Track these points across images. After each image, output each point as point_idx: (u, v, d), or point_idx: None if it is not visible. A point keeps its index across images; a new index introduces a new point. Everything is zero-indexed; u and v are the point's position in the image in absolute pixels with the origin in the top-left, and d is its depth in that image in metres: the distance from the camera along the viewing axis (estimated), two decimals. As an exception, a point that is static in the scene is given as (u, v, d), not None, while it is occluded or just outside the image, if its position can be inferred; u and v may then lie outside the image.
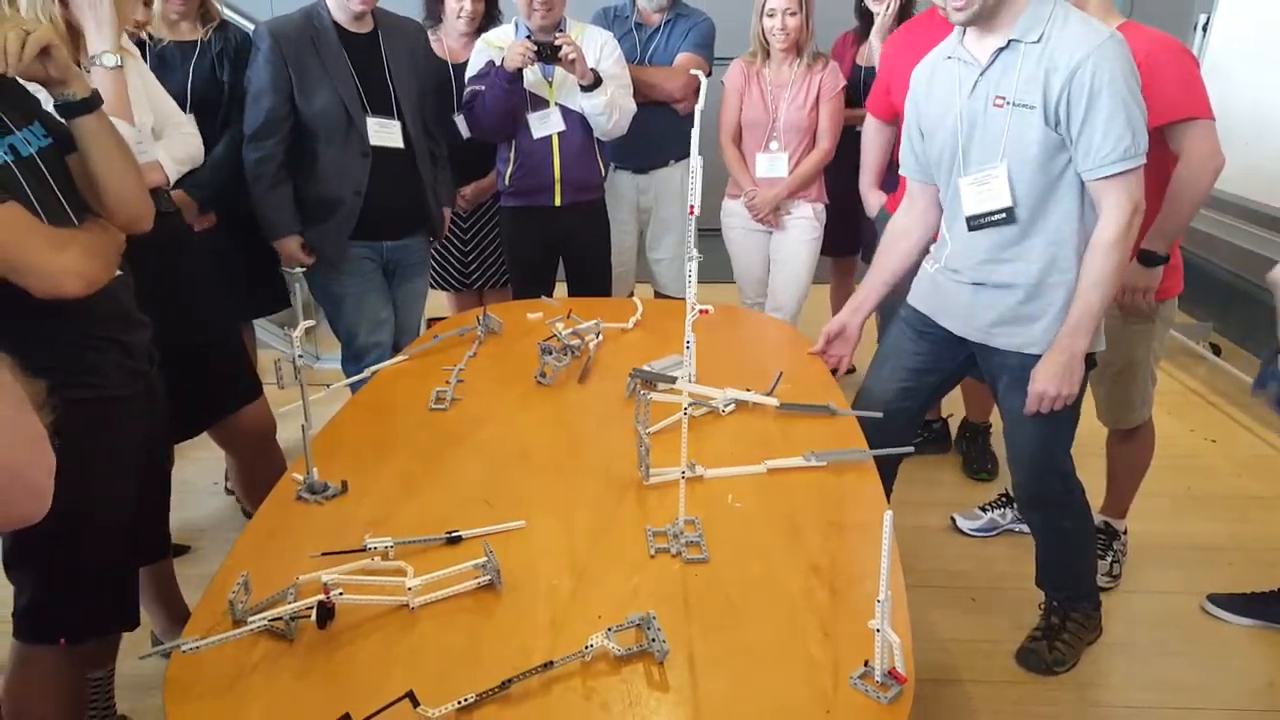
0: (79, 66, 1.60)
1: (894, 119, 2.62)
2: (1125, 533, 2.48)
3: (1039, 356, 1.78)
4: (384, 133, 2.41)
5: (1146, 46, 1.95)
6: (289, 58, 2.30)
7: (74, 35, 1.66)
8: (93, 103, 1.41)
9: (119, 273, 1.50)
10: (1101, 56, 1.61)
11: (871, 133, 2.78)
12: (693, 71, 1.83)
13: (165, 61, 2.31)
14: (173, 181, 1.91)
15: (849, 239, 3.29)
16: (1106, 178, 1.65)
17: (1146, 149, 1.65)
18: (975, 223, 1.79)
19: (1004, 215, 1.76)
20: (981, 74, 1.74)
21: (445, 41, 2.88)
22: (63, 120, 1.42)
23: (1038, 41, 1.66)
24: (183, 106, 2.31)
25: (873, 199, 2.86)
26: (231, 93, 2.39)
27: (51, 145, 1.42)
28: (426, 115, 2.55)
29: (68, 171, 1.43)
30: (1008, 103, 1.70)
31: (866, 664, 1.09)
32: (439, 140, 2.63)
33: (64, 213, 1.40)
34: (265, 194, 2.39)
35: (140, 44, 2.26)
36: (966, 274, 1.86)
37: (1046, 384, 1.75)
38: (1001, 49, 1.71)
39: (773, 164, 2.88)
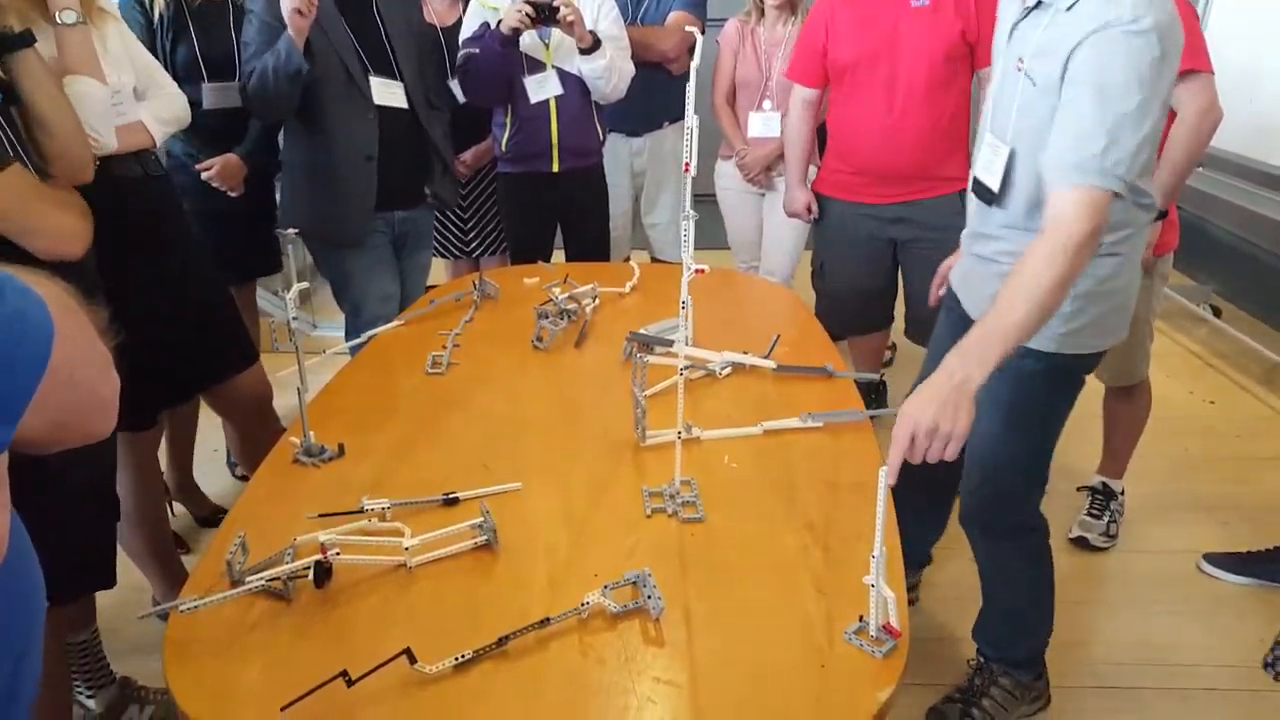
0: (46, 24, 1.58)
1: (825, 85, 2.55)
2: (1123, 493, 2.49)
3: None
4: (388, 93, 2.35)
5: None
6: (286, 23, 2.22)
7: None
8: (28, 37, 1.39)
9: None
10: (1106, 39, 1.29)
11: (799, 107, 2.59)
12: (687, 28, 1.80)
13: (204, 21, 2.31)
14: (159, 143, 1.89)
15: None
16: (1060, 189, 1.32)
17: (1123, 174, 1.29)
18: (974, 186, 1.62)
19: (990, 197, 1.55)
20: (1015, 25, 1.49)
21: (431, 4, 2.83)
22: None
23: (1069, 9, 1.36)
24: (231, 69, 2.33)
25: (801, 196, 2.67)
26: None
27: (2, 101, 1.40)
28: (427, 81, 2.50)
29: (17, 127, 1.41)
30: (1023, 70, 1.45)
31: (861, 619, 1.10)
32: (442, 109, 2.58)
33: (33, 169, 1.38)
34: (266, 68, 2.17)
35: (179, 4, 2.26)
36: (971, 242, 1.69)
37: (915, 409, 1.25)
38: (1032, 7, 1.44)
39: (766, 123, 2.86)
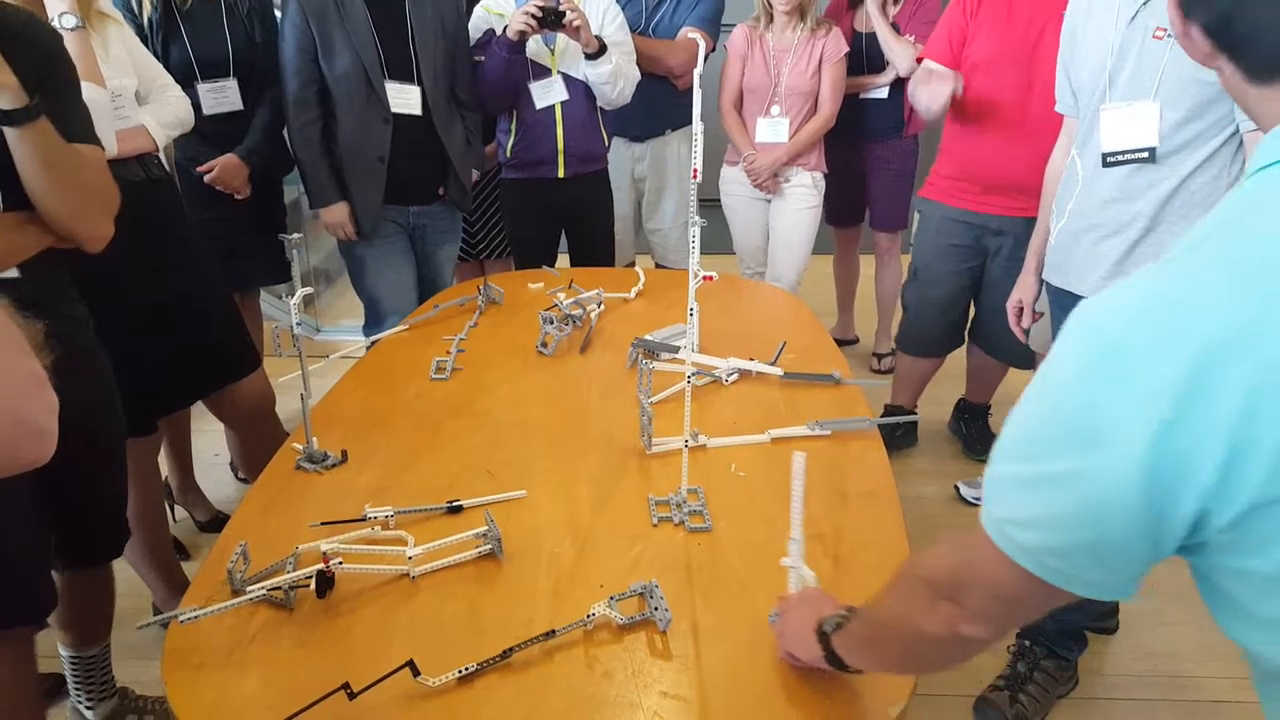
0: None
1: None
2: None
3: None
4: (403, 99, 2.38)
5: None
6: (313, 20, 2.28)
7: (38, 1, 1.61)
8: (14, 118, 1.27)
9: (13, 274, 1.36)
10: None
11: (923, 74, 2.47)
12: (690, 35, 1.78)
13: (197, 22, 2.30)
14: (162, 146, 1.88)
15: (852, 208, 3.25)
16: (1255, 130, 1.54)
17: None
18: (1111, 159, 1.66)
19: (1146, 155, 1.62)
20: (1145, 2, 1.59)
21: None
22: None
23: None
24: (225, 70, 2.33)
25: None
26: (266, 52, 2.38)
27: None
28: (456, 80, 2.51)
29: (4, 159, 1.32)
30: (1169, 35, 1.54)
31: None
32: (468, 107, 2.58)
33: None
34: (314, 160, 2.37)
35: (167, 5, 2.24)
36: (1088, 217, 1.73)
37: None
38: None
39: (774, 129, 2.84)
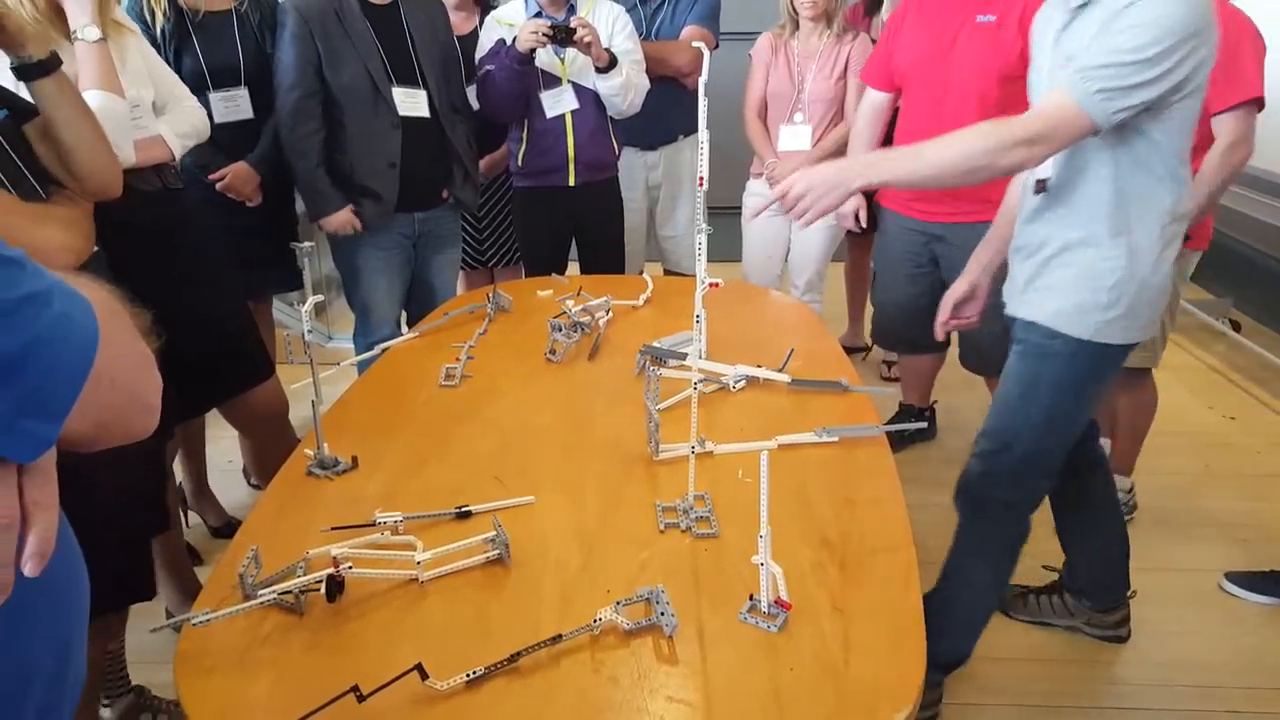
0: (68, 42, 1.59)
1: (895, 90, 2.51)
2: (1131, 490, 2.46)
3: (1041, 328, 1.60)
4: (411, 102, 2.42)
5: (1225, 23, 1.90)
6: (315, 33, 2.31)
7: (59, 13, 1.65)
8: (49, 65, 1.37)
9: (95, 248, 1.47)
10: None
11: (866, 110, 2.57)
12: (694, 43, 1.80)
13: (209, 32, 2.33)
14: (178, 156, 1.91)
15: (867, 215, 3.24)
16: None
17: (1098, 98, 1.38)
18: (1039, 187, 1.63)
19: (1037, 185, 1.60)
20: (1064, 28, 1.55)
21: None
22: (23, 88, 1.40)
23: (1128, 6, 1.38)
24: (236, 79, 2.37)
25: (851, 201, 2.57)
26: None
27: (7, 118, 1.39)
28: (452, 88, 2.55)
29: (28, 144, 1.40)
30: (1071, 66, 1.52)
31: (752, 598, 1.14)
32: (466, 115, 2.62)
33: (29, 186, 1.38)
34: (311, 171, 2.40)
35: (180, 16, 2.28)
36: (1017, 236, 1.71)
37: (805, 173, 1.51)
38: (1082, 4, 1.48)
39: (796, 136, 2.82)
